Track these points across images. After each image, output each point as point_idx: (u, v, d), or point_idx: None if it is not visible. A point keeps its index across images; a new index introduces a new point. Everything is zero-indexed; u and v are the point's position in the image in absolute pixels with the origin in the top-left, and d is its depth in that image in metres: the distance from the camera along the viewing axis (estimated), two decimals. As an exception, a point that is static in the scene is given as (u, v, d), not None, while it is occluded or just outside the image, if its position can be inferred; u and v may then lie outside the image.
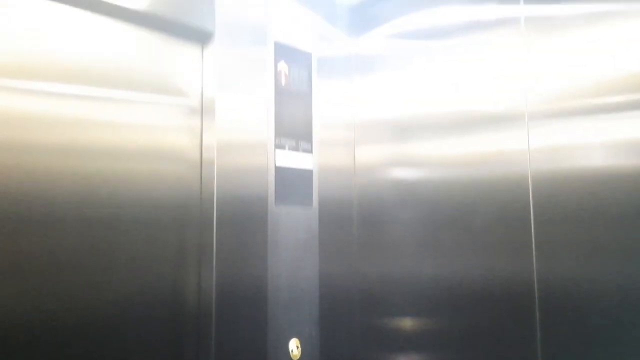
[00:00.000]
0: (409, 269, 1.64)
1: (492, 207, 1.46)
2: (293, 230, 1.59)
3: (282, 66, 1.62)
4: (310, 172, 1.65)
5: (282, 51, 1.62)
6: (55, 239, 1.20)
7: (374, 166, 1.78)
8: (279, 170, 1.57)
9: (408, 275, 1.64)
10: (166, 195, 1.42)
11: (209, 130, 1.48)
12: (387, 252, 1.71)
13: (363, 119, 1.83)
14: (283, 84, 1.61)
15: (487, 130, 1.49)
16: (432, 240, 1.59)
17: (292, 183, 1.59)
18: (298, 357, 1.50)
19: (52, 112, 1.23)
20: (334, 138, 1.78)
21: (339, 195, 1.76)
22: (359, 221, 1.79)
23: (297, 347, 1.51)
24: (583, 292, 1.28)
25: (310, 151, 1.66)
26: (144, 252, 1.36)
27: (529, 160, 1.39)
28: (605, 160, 1.26)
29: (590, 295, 1.27)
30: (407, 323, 1.65)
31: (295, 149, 1.61)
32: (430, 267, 1.58)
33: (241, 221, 1.48)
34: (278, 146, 1.57)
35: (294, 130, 1.62)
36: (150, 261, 1.37)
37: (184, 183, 1.46)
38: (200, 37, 1.50)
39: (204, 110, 1.50)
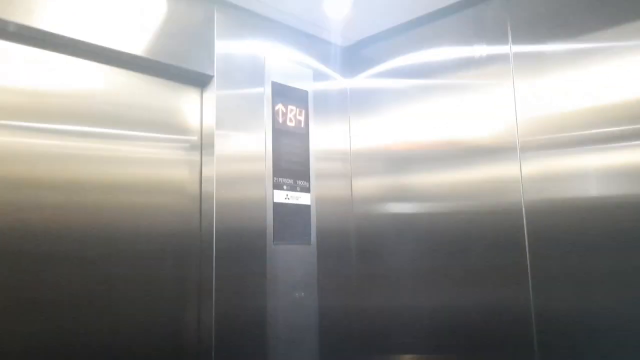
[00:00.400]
0: (408, 302, 1.65)
1: (487, 238, 1.48)
2: (292, 268, 1.61)
3: (279, 105, 1.67)
4: (308, 207, 1.68)
5: (280, 90, 1.67)
6: (55, 273, 1.23)
7: (371, 198, 1.81)
8: (277, 207, 1.59)
9: (406, 308, 1.65)
10: (166, 228, 1.44)
11: (208, 164, 1.52)
12: (385, 286, 1.73)
13: (359, 153, 1.87)
14: (280, 122, 1.66)
15: (480, 162, 1.53)
16: (429, 272, 1.61)
17: (291, 220, 1.62)
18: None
19: (62, 149, 1.28)
20: (331, 172, 1.82)
21: (337, 229, 1.79)
22: (357, 254, 1.81)
23: None
24: (580, 322, 1.30)
25: (308, 190, 1.69)
26: (143, 285, 1.38)
27: (522, 191, 1.42)
28: (597, 189, 1.30)
29: (588, 324, 1.29)
30: (407, 358, 1.66)
31: (293, 188, 1.65)
32: (428, 300, 1.60)
33: (240, 256, 1.50)
34: (276, 186, 1.60)
35: (292, 169, 1.65)
36: (150, 295, 1.39)
37: (184, 216, 1.49)
38: (200, 81, 1.55)
39: (203, 146, 1.54)
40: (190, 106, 1.55)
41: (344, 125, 1.91)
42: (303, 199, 1.67)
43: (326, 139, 1.82)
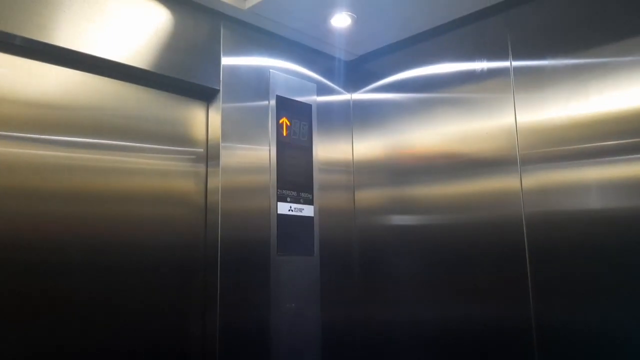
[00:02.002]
0: (409, 313, 1.66)
1: (488, 250, 1.50)
2: (295, 279, 1.63)
3: (284, 118, 1.70)
4: (311, 219, 1.70)
5: (284, 104, 1.70)
6: (61, 284, 1.25)
7: (373, 210, 1.83)
8: (280, 218, 1.62)
9: (408, 319, 1.66)
10: (171, 239, 1.47)
11: (213, 175, 1.55)
12: (387, 297, 1.74)
13: (362, 165, 1.89)
14: (285, 135, 1.68)
15: (481, 174, 1.55)
16: (431, 284, 1.62)
17: (294, 231, 1.64)
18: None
19: (72, 161, 1.31)
20: (334, 183, 1.84)
21: (339, 240, 1.81)
22: (360, 265, 1.83)
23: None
24: (581, 334, 1.31)
25: (312, 202, 1.72)
26: (148, 295, 1.40)
27: (523, 203, 1.44)
28: (597, 202, 1.31)
29: (589, 336, 1.29)
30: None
31: (297, 200, 1.67)
32: (429, 311, 1.61)
33: (245, 267, 1.52)
34: (280, 198, 1.63)
35: (295, 181, 1.68)
36: (154, 305, 1.41)
37: (189, 227, 1.51)
38: (206, 94, 1.59)
39: (209, 158, 1.57)
40: (196, 119, 1.59)
41: (347, 138, 1.94)
42: (306, 210, 1.69)
43: (329, 151, 1.85)
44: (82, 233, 1.30)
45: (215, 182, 1.53)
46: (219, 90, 1.57)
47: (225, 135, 1.55)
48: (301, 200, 1.68)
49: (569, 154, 1.37)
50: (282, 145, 1.67)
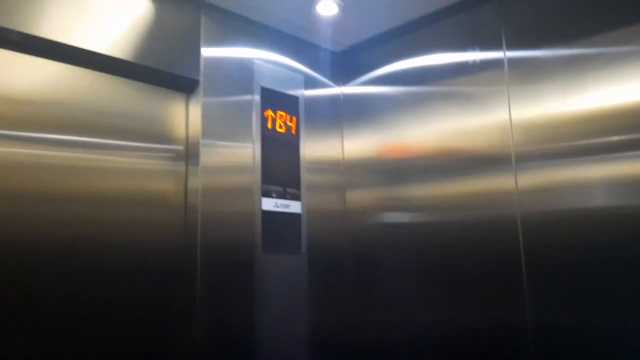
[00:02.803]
0: (402, 316, 1.60)
1: (482, 251, 1.44)
2: (281, 278, 1.56)
3: (269, 111, 1.63)
4: (298, 216, 1.64)
5: (269, 96, 1.63)
6: (28, 288, 1.18)
7: (364, 208, 1.76)
8: (266, 216, 1.54)
9: (400, 322, 1.60)
10: (149, 241, 1.39)
11: (193, 175, 1.47)
12: (378, 298, 1.68)
13: (352, 163, 1.82)
14: (270, 129, 1.62)
15: (475, 172, 1.49)
16: (423, 285, 1.56)
17: (280, 229, 1.57)
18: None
19: (37, 159, 1.23)
20: (323, 180, 1.78)
21: (329, 239, 1.74)
22: (350, 265, 1.76)
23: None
24: (578, 337, 1.25)
25: (299, 198, 1.65)
26: (123, 301, 1.32)
27: (518, 202, 1.38)
28: (595, 201, 1.26)
29: (586, 339, 1.24)
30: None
31: (283, 196, 1.60)
32: (422, 313, 1.55)
33: (227, 268, 1.45)
34: (265, 194, 1.56)
35: (281, 176, 1.61)
36: (130, 313, 1.33)
37: (168, 228, 1.43)
38: (186, 86, 1.51)
39: (188, 155, 1.50)
40: (175, 113, 1.51)
41: (337, 135, 1.87)
42: (293, 207, 1.62)
43: (318, 149, 1.77)
44: (48, 236, 1.22)
45: (196, 181, 1.46)
46: (199, 82, 1.49)
47: (207, 130, 1.48)
48: (287, 196, 1.61)
49: (566, 150, 1.31)
50: (267, 139, 1.60)
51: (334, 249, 1.76)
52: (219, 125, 1.51)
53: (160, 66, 1.42)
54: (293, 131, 1.68)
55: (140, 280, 1.36)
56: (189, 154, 1.50)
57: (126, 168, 1.38)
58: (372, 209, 1.74)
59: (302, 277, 1.61)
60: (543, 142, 1.35)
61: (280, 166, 1.61)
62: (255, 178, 1.55)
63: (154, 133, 1.46)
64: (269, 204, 1.56)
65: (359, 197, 1.80)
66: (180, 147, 1.51)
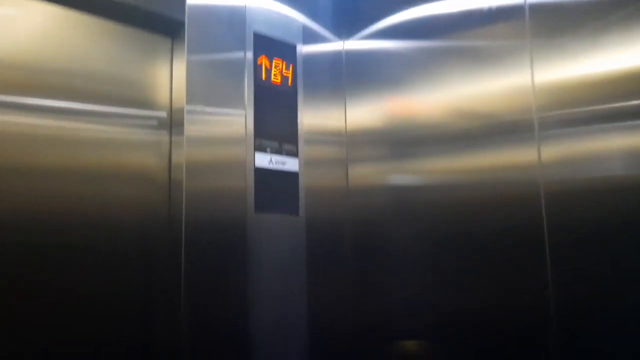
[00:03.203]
0: (411, 294, 1.45)
1: (501, 228, 1.28)
2: (276, 243, 1.41)
3: (263, 58, 1.46)
4: (295, 175, 1.47)
5: (263, 43, 1.46)
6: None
7: (370, 186, 1.59)
8: (259, 173, 1.38)
9: (410, 302, 1.45)
10: (126, 220, 1.22)
11: (178, 145, 1.31)
12: (385, 269, 1.52)
13: (355, 130, 1.64)
14: (264, 79, 1.45)
15: (494, 142, 1.31)
16: (435, 265, 1.40)
17: (275, 187, 1.41)
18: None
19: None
20: (323, 133, 1.61)
21: (329, 201, 1.57)
22: (352, 230, 1.61)
23: None
24: (605, 317, 1.11)
25: (296, 154, 1.48)
26: (97, 287, 1.16)
27: (541, 174, 1.21)
28: (624, 170, 1.09)
29: (613, 319, 1.09)
30: (409, 345, 1.47)
31: (278, 151, 1.44)
32: (433, 295, 1.39)
33: (217, 227, 1.29)
34: (258, 148, 1.39)
35: (277, 130, 1.44)
36: (105, 299, 1.17)
37: (150, 203, 1.27)
38: (169, 28, 1.34)
39: (173, 117, 1.33)
40: (157, 66, 1.33)
41: (339, 101, 1.68)
42: (290, 164, 1.46)
43: (318, 109, 1.59)
44: (15, 212, 1.06)
45: (181, 151, 1.30)
46: (183, 24, 1.32)
47: (193, 79, 1.31)
48: (284, 152, 1.45)
49: (596, 115, 1.13)
50: (261, 89, 1.44)
51: (334, 211, 1.59)
52: (208, 74, 1.34)
53: (140, 2, 1.25)
54: (289, 82, 1.51)
55: (117, 262, 1.20)
56: (174, 115, 1.32)
57: (102, 138, 1.21)
58: (378, 183, 1.58)
59: (300, 241, 1.45)
60: (570, 105, 1.17)
61: (276, 120, 1.44)
62: (247, 128, 1.38)
63: (134, 96, 1.28)
64: (263, 159, 1.40)
65: (363, 169, 1.62)
66: (163, 114, 1.33)
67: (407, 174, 1.51)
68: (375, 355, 1.52)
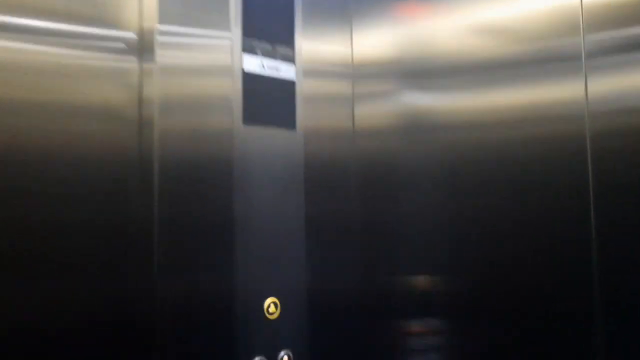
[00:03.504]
0: (425, 226, 1.31)
1: (538, 180, 1.11)
2: (269, 162, 1.24)
3: (253, -56, 1.24)
4: (292, 83, 1.28)
5: None
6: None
7: (379, 131, 1.41)
8: (248, 79, 1.19)
9: (424, 225, 1.32)
10: (90, 156, 1.03)
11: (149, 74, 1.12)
12: (396, 197, 1.38)
13: (364, 64, 1.43)
14: (256, -29, 1.23)
15: (530, 74, 1.12)
16: (457, 227, 1.24)
17: (267, 97, 1.23)
18: (277, 316, 1.22)
19: None
20: (324, 23, 1.41)
21: (330, 116, 1.40)
22: (358, 149, 1.44)
23: (276, 305, 1.22)
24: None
25: (292, 59, 1.29)
26: (62, 234, 0.99)
27: (587, 115, 1.04)
28: None
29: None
30: (420, 279, 1.35)
31: (271, 55, 1.24)
32: (463, 262, 1.25)
33: (200, 138, 1.13)
34: (247, 49, 1.20)
35: (269, 28, 1.23)
36: (72, 247, 1.00)
37: (115, 142, 1.07)
38: None
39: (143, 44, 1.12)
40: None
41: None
42: (285, 71, 1.27)
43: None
44: None
45: (153, 82, 1.11)
46: None
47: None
48: (278, 56, 1.25)
49: None
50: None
51: (337, 130, 1.40)
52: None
53: None
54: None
55: (78, 207, 1.02)
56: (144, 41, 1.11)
57: (53, 62, 0.99)
58: (388, 127, 1.39)
59: (297, 159, 1.28)
60: (628, 25, 0.98)
61: (268, 14, 1.24)
62: (233, 24, 1.18)
63: (96, 12, 1.05)
64: (252, 63, 1.20)
65: (372, 109, 1.43)
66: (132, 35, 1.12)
67: (422, 112, 1.31)
68: (381, 286, 1.41)
